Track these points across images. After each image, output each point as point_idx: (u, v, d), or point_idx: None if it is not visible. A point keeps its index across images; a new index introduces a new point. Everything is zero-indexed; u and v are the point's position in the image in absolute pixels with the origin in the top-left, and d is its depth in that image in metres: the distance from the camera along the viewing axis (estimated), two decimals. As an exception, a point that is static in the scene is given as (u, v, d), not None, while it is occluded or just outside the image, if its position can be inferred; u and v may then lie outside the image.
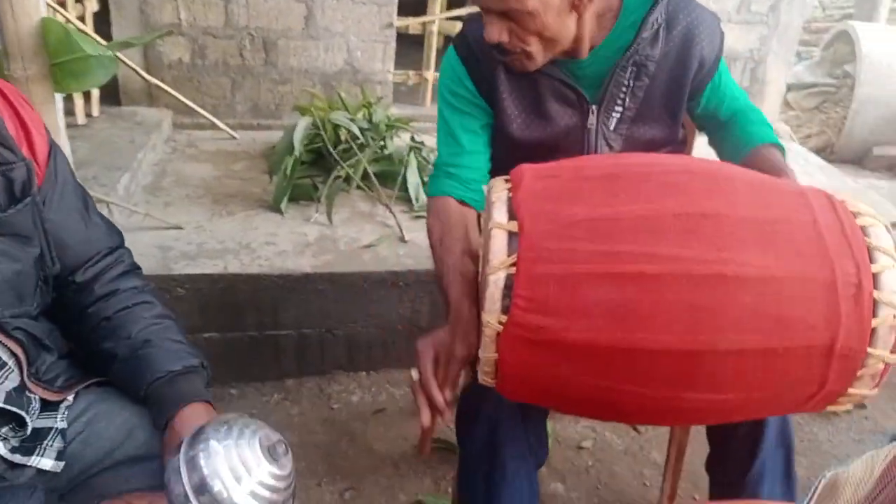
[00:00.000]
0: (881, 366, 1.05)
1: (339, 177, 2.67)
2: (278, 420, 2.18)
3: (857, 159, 4.35)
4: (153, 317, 1.22)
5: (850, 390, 1.09)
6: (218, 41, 3.17)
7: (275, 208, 2.56)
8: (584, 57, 1.38)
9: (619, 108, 1.43)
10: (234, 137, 3.21)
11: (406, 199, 2.69)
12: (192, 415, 1.11)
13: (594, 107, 1.42)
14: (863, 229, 1.07)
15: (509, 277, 1.01)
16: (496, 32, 1.28)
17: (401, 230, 2.46)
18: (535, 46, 1.31)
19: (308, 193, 2.64)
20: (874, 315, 1.01)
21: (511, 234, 1.04)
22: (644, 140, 1.47)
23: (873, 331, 1.02)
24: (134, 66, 2.95)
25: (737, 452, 1.38)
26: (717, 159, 1.56)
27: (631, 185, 1.06)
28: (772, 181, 1.15)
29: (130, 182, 2.59)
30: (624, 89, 1.40)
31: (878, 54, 4.27)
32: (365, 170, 2.71)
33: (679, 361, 1.00)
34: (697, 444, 2.02)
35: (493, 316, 1.02)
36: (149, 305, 1.23)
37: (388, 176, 2.77)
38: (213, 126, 3.20)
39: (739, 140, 1.50)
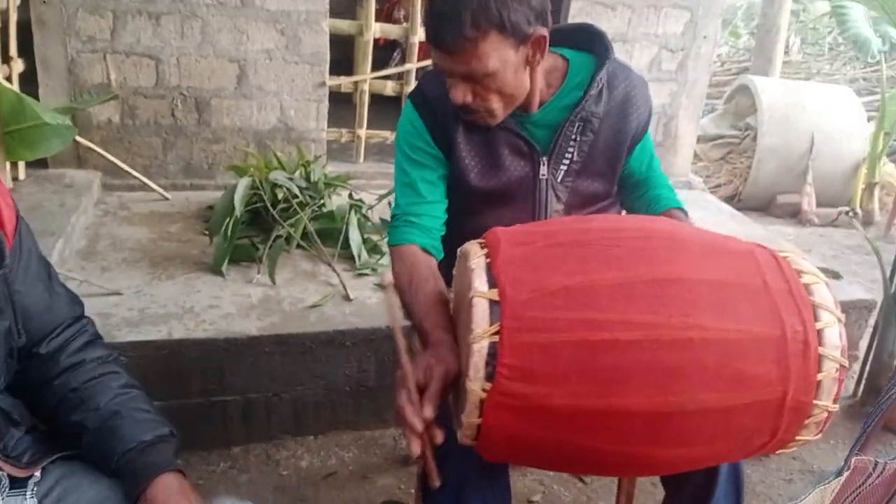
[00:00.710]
0: (825, 415, 1.15)
1: (279, 236, 2.68)
2: (227, 490, 2.14)
3: (764, 206, 4.64)
4: (120, 387, 1.22)
5: (798, 437, 1.19)
6: (149, 101, 3.14)
7: (216, 270, 2.54)
8: (535, 111, 1.51)
9: (567, 161, 1.54)
10: (166, 198, 3.17)
11: (348, 257, 2.72)
12: (164, 485, 1.12)
13: (545, 158, 1.53)
14: (807, 288, 1.17)
15: (493, 345, 1.06)
16: (461, 94, 1.38)
17: (345, 289, 2.49)
18: (496, 104, 1.41)
19: (249, 254, 2.64)
20: (819, 369, 1.11)
21: (492, 303, 1.09)
22: (587, 193, 1.59)
23: (819, 383, 1.12)
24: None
25: (691, 498, 1.45)
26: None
27: (602, 252, 1.14)
28: (722, 242, 1.24)
29: (64, 248, 2.53)
30: (572, 143, 1.53)
31: (777, 107, 4.59)
32: (305, 229, 2.72)
33: (652, 421, 1.08)
34: (644, 493, 2.11)
35: (477, 384, 1.07)
36: (115, 375, 1.24)
37: (329, 234, 2.79)
38: (145, 187, 3.16)
39: (648, 204, 1.64)
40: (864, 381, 2.78)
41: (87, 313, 2.18)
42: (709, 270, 1.13)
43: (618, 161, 1.60)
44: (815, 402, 1.13)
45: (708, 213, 3.60)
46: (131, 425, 1.17)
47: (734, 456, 1.25)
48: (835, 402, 1.14)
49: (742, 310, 1.10)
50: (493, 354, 1.06)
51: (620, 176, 1.67)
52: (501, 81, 1.37)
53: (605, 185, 1.61)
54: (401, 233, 1.51)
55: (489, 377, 1.06)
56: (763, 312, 1.11)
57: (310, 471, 2.26)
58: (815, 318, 1.13)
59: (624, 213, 1.75)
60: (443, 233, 1.55)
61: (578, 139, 1.53)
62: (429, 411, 1.12)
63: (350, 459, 2.32)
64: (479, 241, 1.25)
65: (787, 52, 7.62)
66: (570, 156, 1.54)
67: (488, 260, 1.17)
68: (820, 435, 1.21)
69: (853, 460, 1.01)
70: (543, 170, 1.54)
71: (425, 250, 1.49)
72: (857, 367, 2.87)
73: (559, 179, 1.56)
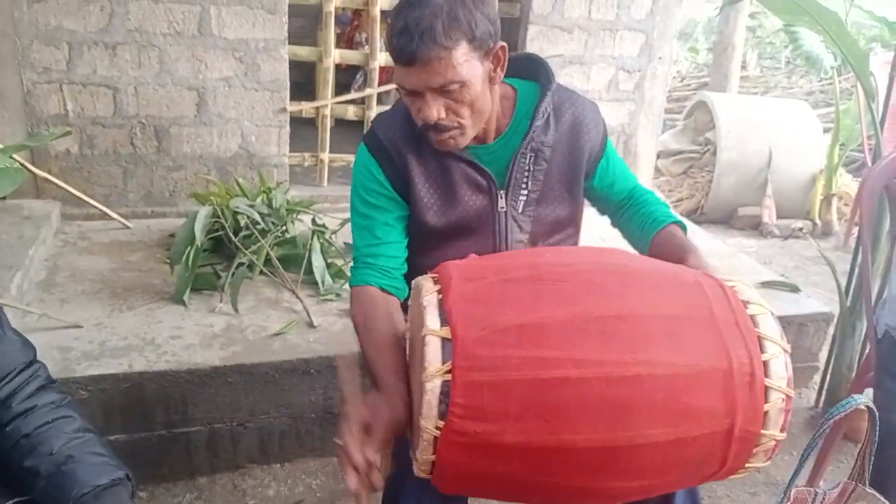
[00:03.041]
0: (773, 443, 1.18)
1: (241, 264, 2.67)
2: (192, 522, 2.13)
3: (725, 219, 4.72)
4: (74, 431, 1.22)
5: (747, 465, 1.21)
6: (107, 130, 3.12)
7: (177, 300, 2.53)
8: (491, 142, 1.53)
9: (525, 191, 1.56)
10: (127, 227, 3.14)
11: (312, 282, 2.72)
12: None
13: (502, 191, 1.55)
14: (752, 319, 1.19)
15: (445, 384, 1.08)
16: (434, 111, 1.38)
17: (309, 315, 2.48)
18: (467, 119, 1.42)
19: (210, 283, 2.63)
20: (766, 400, 1.14)
21: (444, 340, 1.11)
22: (550, 220, 1.61)
23: (765, 414, 1.14)
24: (19, 158, 2.87)
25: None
26: (618, 244, 1.70)
27: (553, 287, 1.15)
28: (672, 274, 1.26)
29: (23, 280, 2.50)
30: (526, 173, 1.54)
31: (734, 122, 4.69)
32: (268, 255, 2.72)
33: (602, 455, 1.10)
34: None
35: (430, 422, 1.08)
36: (69, 420, 1.24)
37: (291, 260, 2.79)
38: (105, 216, 3.13)
39: (644, 221, 1.64)
40: (824, 392, 2.83)
41: (46, 347, 2.17)
42: (658, 305, 1.15)
43: (576, 186, 1.61)
44: (762, 431, 1.15)
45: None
46: (86, 469, 1.17)
47: (685, 484, 1.28)
48: (782, 430, 1.17)
49: (690, 344, 1.12)
50: (445, 393, 1.07)
51: (598, 198, 1.70)
52: (474, 93, 1.38)
53: (568, 209, 1.63)
54: (360, 274, 1.52)
55: (442, 416, 1.07)
56: (710, 346, 1.13)
57: (277, 499, 2.24)
58: (761, 350, 1.15)
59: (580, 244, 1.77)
60: (404, 271, 1.56)
61: (532, 169, 1.55)
62: (370, 454, 1.13)
63: (318, 487, 2.31)
64: (432, 275, 1.26)
65: (744, 67, 7.78)
66: (525, 186, 1.56)
67: (440, 296, 1.18)
68: (769, 461, 1.23)
69: (792, 491, 1.04)
70: (502, 202, 1.56)
71: (385, 290, 1.50)
72: (817, 377, 2.93)
73: (520, 210, 1.57)
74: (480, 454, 1.09)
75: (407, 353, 1.34)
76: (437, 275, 1.25)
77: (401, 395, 1.23)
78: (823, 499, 1.08)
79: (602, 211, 1.78)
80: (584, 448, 1.08)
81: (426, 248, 1.59)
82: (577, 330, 1.10)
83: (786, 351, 1.17)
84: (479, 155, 1.54)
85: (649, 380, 1.09)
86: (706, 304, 1.19)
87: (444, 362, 1.09)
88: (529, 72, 1.59)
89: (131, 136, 3.16)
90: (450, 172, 1.53)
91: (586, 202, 1.72)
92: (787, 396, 1.15)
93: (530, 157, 1.54)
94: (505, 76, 1.52)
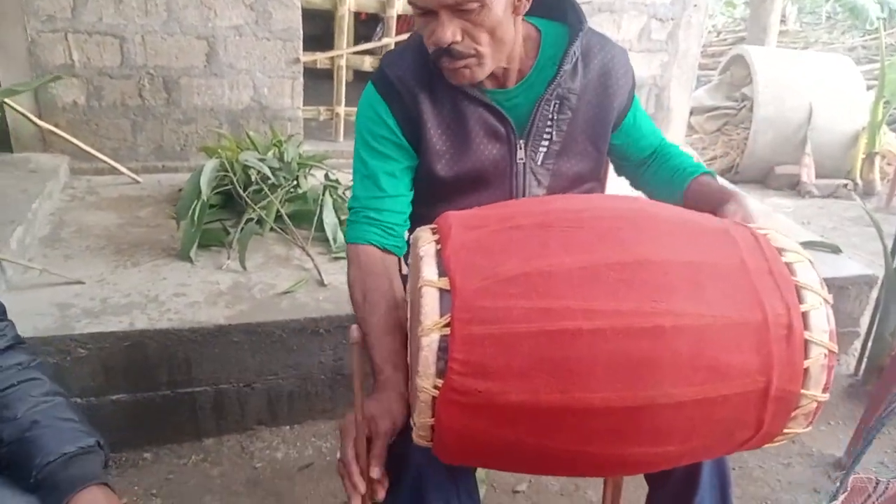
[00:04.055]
0: (814, 405, 1.05)
1: (251, 220, 2.57)
2: (199, 483, 2.06)
3: (761, 178, 4.52)
4: (42, 395, 1.14)
5: (785, 430, 1.09)
6: (115, 82, 3.02)
7: (184, 256, 2.43)
8: (512, 86, 1.39)
9: (546, 142, 1.42)
10: (137, 181, 3.06)
11: (323, 240, 2.61)
12: (89, 500, 1.05)
13: (521, 141, 1.41)
14: (789, 267, 1.06)
15: (443, 339, 0.96)
16: (449, 33, 1.23)
17: (319, 273, 2.38)
18: (486, 48, 1.27)
19: (219, 239, 2.53)
20: (806, 356, 1.01)
21: (442, 292, 0.99)
22: (570, 174, 1.47)
23: (805, 371, 1.01)
24: (24, 110, 2.78)
25: (673, 495, 1.35)
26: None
27: (563, 233, 1.03)
28: (695, 219, 1.13)
29: (25, 235, 2.42)
30: (549, 122, 1.40)
31: (773, 76, 4.46)
32: (278, 211, 2.61)
33: (620, 418, 0.97)
34: (634, 481, 2.01)
35: (427, 380, 0.97)
36: (36, 382, 1.15)
37: (303, 217, 2.68)
38: (114, 170, 3.04)
39: (672, 174, 1.51)
40: (865, 360, 2.68)
41: (45, 303, 2.10)
42: (680, 251, 1.02)
43: (602, 139, 1.47)
44: (802, 391, 1.02)
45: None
46: (52, 436, 1.08)
47: (714, 452, 1.15)
48: (825, 390, 1.04)
49: (718, 293, 0.99)
50: (443, 349, 0.96)
51: (620, 155, 1.57)
52: (494, 18, 1.23)
53: (590, 164, 1.49)
54: (360, 230, 1.39)
55: (440, 373, 0.96)
56: (741, 295, 1.00)
57: (285, 462, 2.17)
58: (800, 300, 1.02)
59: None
60: (406, 228, 1.44)
61: (556, 118, 1.40)
62: (375, 472, 1.08)
63: (328, 450, 2.23)
64: (431, 226, 1.14)
65: (783, 22, 7.45)
66: (548, 136, 1.42)
67: (439, 246, 1.06)
68: (810, 427, 1.10)
69: (851, 479, 0.90)
70: (521, 153, 1.42)
71: (385, 250, 1.38)
72: (858, 344, 2.77)
73: (539, 162, 1.44)
74: (483, 416, 0.97)
75: (408, 315, 1.22)
76: (436, 225, 1.13)
77: (400, 394, 1.15)
78: (886, 488, 0.94)
79: (621, 170, 1.64)
80: (599, 409, 0.95)
81: (434, 201, 1.46)
82: (589, 278, 0.97)
83: (827, 301, 1.04)
84: (497, 100, 1.39)
85: (672, 332, 0.96)
86: (735, 250, 1.06)
87: (441, 315, 0.97)
88: (556, 12, 1.44)
89: (139, 88, 3.06)
90: (465, 117, 1.38)
91: None
92: (830, 352, 1.02)
93: (555, 104, 1.39)
94: (528, 14, 1.38)
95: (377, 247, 1.38)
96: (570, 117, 1.41)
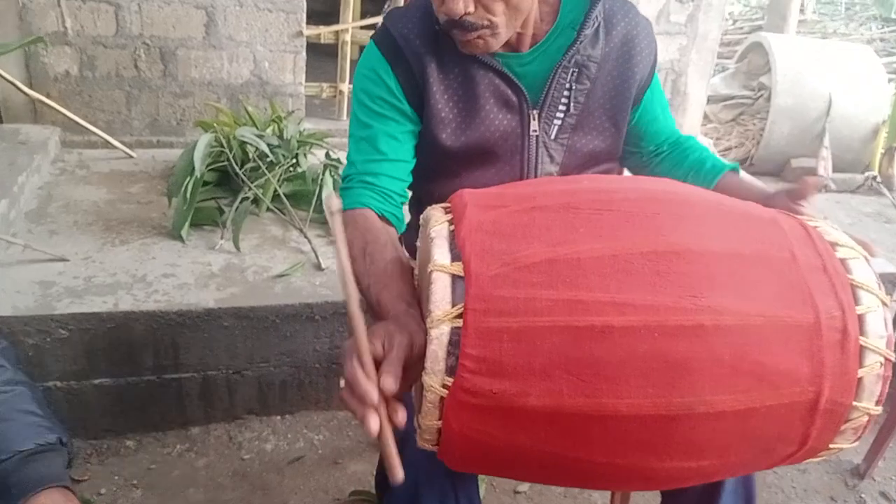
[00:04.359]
0: (865, 419, 0.94)
1: (246, 199, 2.44)
2: (183, 474, 1.95)
3: (777, 171, 4.37)
4: (2, 383, 1.01)
5: (832, 445, 0.98)
6: (109, 51, 2.89)
7: (175, 235, 2.31)
8: (526, 50, 1.27)
9: (561, 115, 1.30)
10: (130, 156, 2.93)
11: (322, 221, 2.49)
12: (47, 503, 0.94)
13: (535, 111, 1.28)
14: (843, 263, 0.95)
15: (455, 331, 0.84)
16: (461, 4, 1.11)
17: (317, 256, 2.26)
18: (500, 17, 1.16)
19: (212, 218, 2.40)
20: (860, 364, 0.90)
21: (455, 278, 0.87)
22: (585, 151, 1.35)
23: (859, 381, 0.90)
24: (12, 79, 2.65)
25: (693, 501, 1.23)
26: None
27: (592, 217, 0.90)
28: (741, 207, 1.01)
29: (10, 209, 2.30)
30: (566, 93, 1.28)
31: (792, 65, 4.30)
32: (276, 190, 2.48)
33: (652, 427, 0.85)
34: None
35: (436, 378, 0.84)
36: None
37: (301, 197, 2.55)
38: (107, 144, 2.91)
39: (694, 170, 1.38)
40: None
41: (26, 281, 1.97)
42: (724, 240, 0.90)
43: (621, 114, 1.34)
44: (854, 403, 0.91)
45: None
46: (11, 431, 0.97)
47: (753, 467, 1.03)
48: (878, 403, 0.93)
49: (766, 290, 0.87)
50: (455, 343, 0.84)
51: (634, 135, 1.43)
52: None
53: (607, 142, 1.36)
54: (355, 195, 1.24)
55: (450, 371, 0.84)
56: (792, 293, 0.88)
57: (275, 455, 2.05)
58: (855, 301, 0.91)
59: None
60: (405, 199, 1.31)
61: (573, 88, 1.28)
62: (389, 382, 0.81)
63: (320, 443, 2.11)
64: (444, 205, 1.02)
65: (801, 11, 7.28)
66: (564, 108, 1.29)
67: (452, 227, 0.94)
68: (857, 442, 0.99)
69: None
70: (534, 124, 1.29)
71: (383, 218, 1.23)
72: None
73: (552, 136, 1.31)
74: (498, 420, 0.85)
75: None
76: (449, 204, 1.01)
77: (417, 319, 0.94)
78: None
79: (628, 158, 1.49)
80: (629, 416, 0.84)
81: (437, 176, 1.34)
82: (622, 267, 0.85)
83: (885, 303, 0.93)
84: (510, 65, 1.27)
85: (714, 332, 0.84)
86: (785, 242, 0.94)
87: (454, 304, 0.85)
88: None
89: (135, 59, 2.92)
90: (474, 83, 1.26)
91: None
92: (887, 360, 0.91)
93: (573, 72, 1.27)
94: None
95: (375, 212, 1.23)
96: (588, 88, 1.29)
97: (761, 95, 4.46)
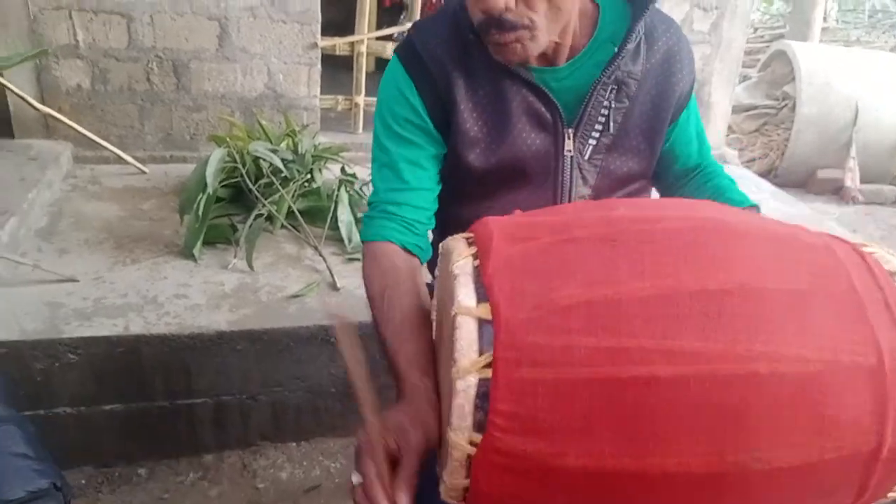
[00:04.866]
0: (931, 466, 0.84)
1: (260, 215, 2.38)
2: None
3: (802, 182, 4.27)
4: None
5: (890, 494, 0.88)
6: (121, 64, 2.84)
7: (187, 254, 2.25)
8: (563, 64, 1.19)
9: (597, 134, 1.22)
10: (143, 171, 2.88)
11: (337, 239, 2.42)
12: None
13: (570, 130, 1.20)
14: None
15: (483, 383, 0.75)
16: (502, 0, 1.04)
17: (332, 276, 2.19)
18: (541, 18, 1.08)
19: (225, 235, 2.35)
20: (927, 409, 0.81)
21: (482, 322, 0.78)
22: (619, 174, 1.26)
23: (927, 427, 0.81)
24: (23, 94, 2.61)
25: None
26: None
27: (633, 250, 0.82)
28: (791, 234, 0.92)
29: (19, 227, 2.25)
30: (604, 111, 1.20)
31: (817, 73, 4.21)
32: (290, 207, 2.42)
33: (701, 487, 0.77)
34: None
35: (462, 435, 0.76)
36: None
37: (316, 213, 2.49)
38: (120, 159, 2.86)
39: (712, 194, 1.32)
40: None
41: (35, 302, 1.92)
42: (778, 274, 0.81)
43: (657, 135, 1.26)
44: (921, 453, 0.82)
45: (746, 191, 3.24)
46: None
47: (804, 521, 0.94)
48: (945, 450, 0.83)
49: (825, 330, 0.78)
50: (483, 395, 0.75)
51: (669, 159, 1.35)
52: None
53: (642, 164, 1.28)
54: (377, 226, 1.18)
55: (479, 426, 0.76)
56: (853, 332, 0.79)
57: (290, 483, 1.98)
58: (921, 340, 0.82)
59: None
60: (430, 227, 1.24)
61: (612, 106, 1.19)
62: (403, 499, 0.79)
63: (336, 471, 2.04)
64: (466, 235, 0.93)
65: (824, 19, 7.16)
66: (601, 127, 1.21)
67: (477, 262, 0.85)
68: (917, 492, 0.90)
69: None
70: (569, 144, 1.21)
71: (406, 250, 1.17)
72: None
73: (587, 157, 1.22)
74: (532, 482, 0.77)
75: (434, 335, 1.01)
76: (472, 234, 0.93)
77: (431, 402, 0.90)
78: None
79: (656, 179, 1.41)
80: (677, 475, 0.75)
81: (465, 199, 1.26)
82: (668, 309, 0.77)
83: None
84: (545, 80, 1.18)
85: (771, 380, 0.75)
86: (843, 274, 0.85)
87: (481, 353, 0.76)
88: None
89: (147, 71, 2.87)
90: (505, 99, 1.18)
91: None
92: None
93: (612, 89, 1.18)
94: None
95: (398, 245, 1.17)
96: (626, 107, 1.21)
97: (785, 105, 4.36)
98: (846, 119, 4.17)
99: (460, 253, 0.88)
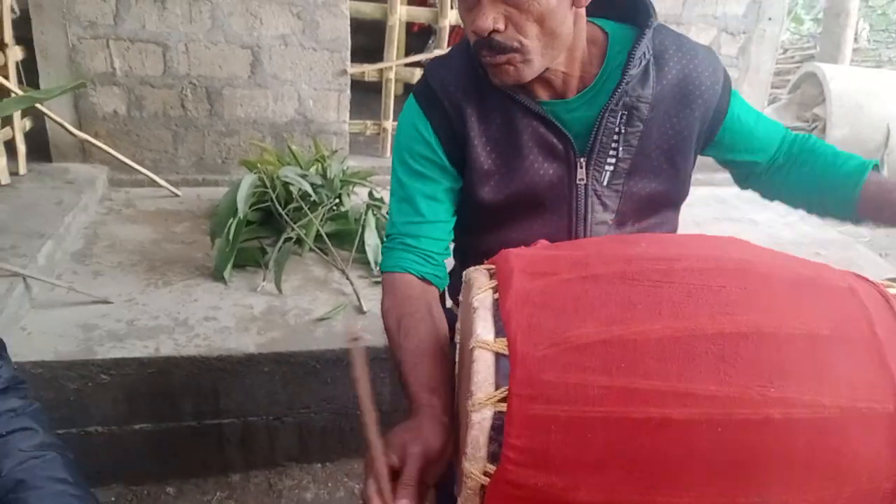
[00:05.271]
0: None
1: (289, 239, 2.42)
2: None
3: (832, 205, 4.23)
4: (33, 448, 0.98)
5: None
6: (157, 91, 2.92)
7: (217, 277, 2.30)
8: (572, 96, 1.19)
9: (612, 161, 1.22)
10: (176, 195, 2.95)
11: (364, 262, 2.46)
12: None
13: (582, 159, 1.21)
14: None
15: (498, 416, 0.78)
16: (490, 18, 1.06)
17: (358, 299, 2.22)
18: (533, 41, 1.09)
19: (255, 259, 2.39)
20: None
21: (499, 356, 0.81)
22: (643, 196, 1.26)
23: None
24: (60, 120, 2.69)
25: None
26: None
27: (651, 290, 0.83)
28: (813, 274, 0.92)
29: (55, 250, 2.31)
30: (615, 137, 1.20)
31: (847, 95, 4.19)
32: (318, 231, 2.46)
33: (714, 526, 0.77)
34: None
35: (477, 465, 0.79)
36: (29, 433, 1.00)
37: (344, 237, 2.53)
38: (154, 183, 2.93)
39: (828, 174, 1.27)
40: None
41: (69, 324, 1.97)
42: (797, 319, 0.82)
43: (681, 155, 1.25)
44: (936, 494, 0.82)
45: (775, 214, 3.23)
46: (39, 500, 0.92)
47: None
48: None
49: (843, 376, 0.79)
50: (498, 428, 0.78)
51: (739, 167, 1.35)
52: (545, 5, 1.06)
53: (666, 184, 1.27)
54: (395, 258, 1.22)
55: (492, 458, 0.78)
56: (871, 378, 0.80)
57: (315, 503, 2.00)
58: (941, 386, 0.82)
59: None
60: (447, 256, 1.26)
61: (623, 131, 1.19)
62: None
63: (361, 492, 2.05)
64: (488, 266, 0.95)
65: (855, 39, 7.11)
66: (614, 154, 1.21)
67: (496, 295, 0.87)
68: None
69: None
70: (581, 173, 1.22)
71: (423, 279, 1.20)
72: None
73: (605, 183, 1.23)
74: (544, 514, 0.78)
75: (457, 366, 1.04)
76: (493, 266, 0.95)
77: (435, 418, 0.93)
78: None
79: (747, 183, 1.40)
80: (689, 516, 0.76)
81: (482, 230, 1.28)
82: (684, 351, 0.78)
83: None
84: (556, 112, 1.20)
85: (785, 426, 0.76)
86: (865, 317, 0.85)
87: (497, 387, 0.79)
88: (626, 12, 1.23)
89: (182, 98, 2.95)
90: (516, 131, 1.20)
91: (728, 177, 1.38)
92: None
93: (622, 115, 1.18)
94: (595, 15, 1.19)
95: (415, 275, 1.21)
96: (641, 130, 1.20)
97: (816, 126, 4.33)
98: (877, 141, 4.14)
99: (480, 286, 0.90)
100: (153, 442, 1.98)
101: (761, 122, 1.32)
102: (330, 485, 2.07)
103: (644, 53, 1.17)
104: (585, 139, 1.20)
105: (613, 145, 1.21)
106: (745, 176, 1.38)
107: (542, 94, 1.20)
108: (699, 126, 1.24)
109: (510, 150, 1.21)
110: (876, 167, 1.24)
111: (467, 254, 1.33)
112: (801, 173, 1.31)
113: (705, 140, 1.28)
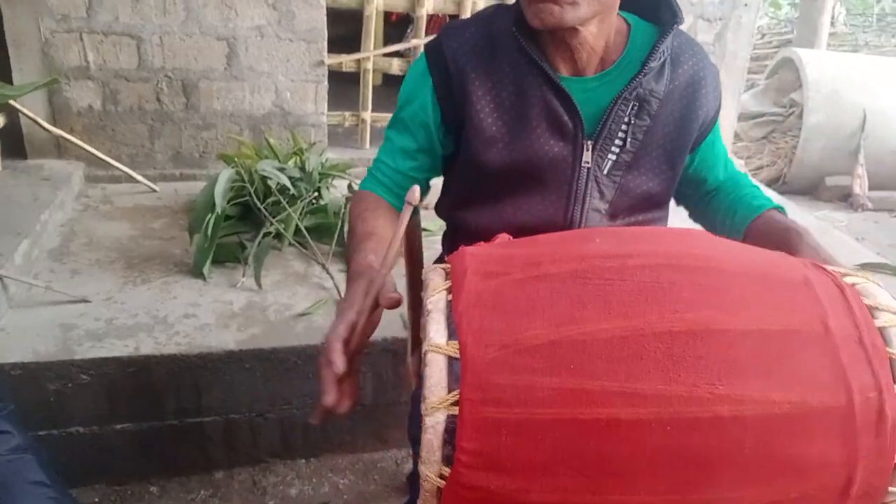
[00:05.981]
0: (903, 502, 0.86)
1: (268, 234, 2.43)
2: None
3: (810, 190, 4.27)
4: (9, 451, 0.99)
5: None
6: (132, 85, 2.90)
7: (196, 273, 2.30)
8: (593, 74, 1.22)
9: (616, 150, 1.24)
10: (153, 190, 2.94)
11: (344, 255, 2.46)
12: None
13: (590, 141, 1.23)
14: (882, 332, 0.86)
15: (451, 419, 0.79)
16: None
17: (339, 293, 2.23)
18: None
19: (234, 254, 2.39)
20: (898, 446, 0.82)
21: (452, 360, 0.82)
22: (638, 192, 1.29)
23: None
24: (34, 116, 2.67)
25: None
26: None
27: (602, 289, 0.84)
28: (769, 268, 0.93)
29: (32, 248, 2.31)
30: (624, 126, 1.23)
31: (825, 81, 4.21)
32: (298, 225, 2.47)
33: (666, 523, 0.79)
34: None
35: (432, 468, 0.80)
36: (4, 437, 1.00)
37: (323, 230, 2.53)
38: (131, 178, 2.93)
39: (735, 207, 1.35)
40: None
41: (48, 324, 1.97)
42: (748, 315, 0.83)
43: (679, 156, 1.29)
44: (890, 488, 0.83)
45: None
46: (18, 503, 0.94)
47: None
48: (915, 486, 0.85)
49: (793, 372, 0.80)
50: (451, 431, 0.79)
51: (688, 182, 1.39)
52: None
53: (662, 185, 1.30)
54: (370, 184, 1.32)
55: (447, 460, 0.79)
56: (823, 373, 0.81)
57: (299, 499, 2.02)
58: (894, 378, 0.83)
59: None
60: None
61: (632, 122, 1.22)
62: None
63: (345, 487, 2.08)
64: (445, 266, 0.96)
65: (832, 24, 7.11)
66: (620, 142, 1.24)
67: (450, 297, 0.88)
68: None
69: None
70: (587, 155, 1.23)
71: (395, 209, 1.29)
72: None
73: (605, 171, 1.25)
74: (498, 515, 0.80)
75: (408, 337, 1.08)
76: (450, 265, 0.95)
77: (371, 269, 1.02)
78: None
79: (682, 199, 1.48)
80: (641, 513, 0.78)
81: (480, 201, 1.30)
82: (633, 351, 0.79)
83: None
84: (572, 88, 1.21)
85: (734, 423, 0.77)
86: (817, 311, 0.86)
87: (450, 390, 0.80)
88: (648, 10, 1.27)
89: (157, 92, 2.93)
90: (527, 103, 1.21)
91: None
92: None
93: (633, 105, 1.21)
94: (621, 8, 1.22)
95: (386, 201, 1.29)
96: (648, 125, 1.23)
97: (793, 112, 4.36)
98: (854, 126, 4.17)
99: (435, 287, 0.91)
100: (136, 441, 1.99)
101: (723, 154, 1.41)
102: (314, 480, 2.09)
103: (665, 50, 1.20)
104: (595, 123, 1.23)
105: (621, 135, 1.23)
106: (684, 194, 1.46)
107: (563, 69, 1.22)
108: (697, 132, 1.28)
109: (518, 119, 1.23)
110: (780, 209, 1.31)
111: (459, 232, 1.36)
112: (720, 204, 1.40)
113: (692, 147, 1.31)
